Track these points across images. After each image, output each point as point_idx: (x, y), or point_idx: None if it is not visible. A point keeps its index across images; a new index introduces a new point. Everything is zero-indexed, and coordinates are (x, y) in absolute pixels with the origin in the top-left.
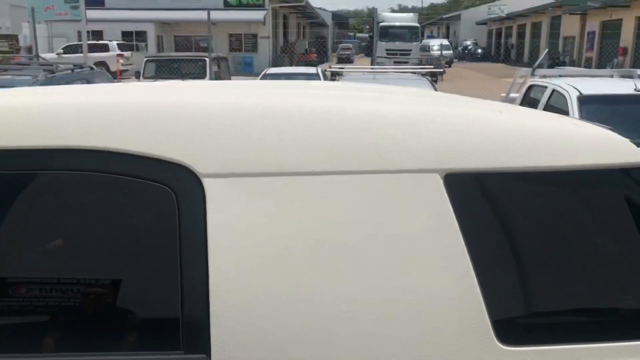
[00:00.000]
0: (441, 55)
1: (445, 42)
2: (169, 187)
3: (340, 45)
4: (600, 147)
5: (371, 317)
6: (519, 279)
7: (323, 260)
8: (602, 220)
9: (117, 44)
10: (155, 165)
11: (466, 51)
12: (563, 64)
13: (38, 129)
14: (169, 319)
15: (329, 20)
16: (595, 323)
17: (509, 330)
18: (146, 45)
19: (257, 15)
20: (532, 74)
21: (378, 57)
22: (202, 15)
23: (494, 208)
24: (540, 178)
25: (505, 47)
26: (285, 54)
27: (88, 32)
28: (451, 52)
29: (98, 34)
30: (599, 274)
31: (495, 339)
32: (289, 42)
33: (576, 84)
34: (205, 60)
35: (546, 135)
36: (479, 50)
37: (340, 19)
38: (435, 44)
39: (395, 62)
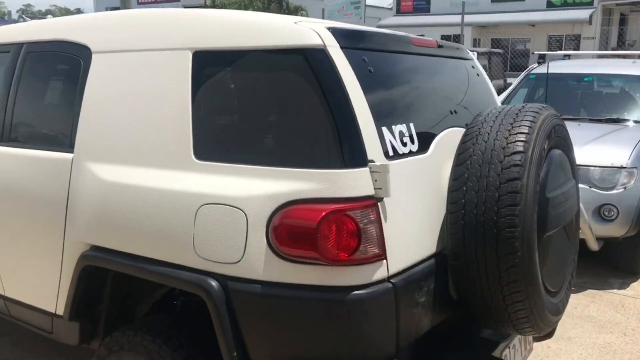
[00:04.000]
0: None
1: None
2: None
3: None
4: (279, 31)
5: (118, 127)
6: (217, 122)
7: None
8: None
9: None
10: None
11: None
12: None
13: None
14: None
15: None
16: (253, 153)
17: (202, 151)
18: None
19: (582, 14)
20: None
21: None
22: (520, 17)
23: (215, 74)
24: (236, 55)
25: None
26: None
27: None
28: None
29: None
30: (256, 121)
31: (192, 155)
32: (625, 42)
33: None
34: None
35: (251, 24)
36: None
37: None
38: None
39: None
